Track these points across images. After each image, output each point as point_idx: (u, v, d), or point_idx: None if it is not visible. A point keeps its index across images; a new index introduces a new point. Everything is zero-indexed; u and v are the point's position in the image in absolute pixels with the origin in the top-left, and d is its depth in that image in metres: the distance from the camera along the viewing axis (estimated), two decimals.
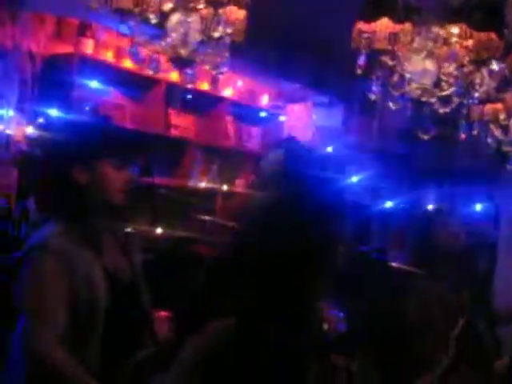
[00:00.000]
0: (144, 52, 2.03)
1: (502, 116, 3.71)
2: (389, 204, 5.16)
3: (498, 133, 3.84)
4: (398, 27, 2.21)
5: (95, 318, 1.83)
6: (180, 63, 1.97)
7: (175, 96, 4.38)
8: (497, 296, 3.38)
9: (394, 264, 2.66)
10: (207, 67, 1.98)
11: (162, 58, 2.20)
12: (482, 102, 3.45)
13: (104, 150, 1.96)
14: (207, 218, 2.36)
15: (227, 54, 2.01)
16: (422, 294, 2.85)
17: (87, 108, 3.92)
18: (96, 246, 1.92)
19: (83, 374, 1.75)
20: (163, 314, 2.50)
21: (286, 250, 1.40)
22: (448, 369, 2.15)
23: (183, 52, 1.89)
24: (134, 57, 2.05)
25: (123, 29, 3.68)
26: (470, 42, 2.45)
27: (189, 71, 2.00)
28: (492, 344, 2.77)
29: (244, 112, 5.14)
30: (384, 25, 2.22)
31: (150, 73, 2.28)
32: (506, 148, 3.93)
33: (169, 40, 1.89)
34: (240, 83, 5.09)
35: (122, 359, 1.89)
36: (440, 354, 2.13)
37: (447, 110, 2.48)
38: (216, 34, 1.91)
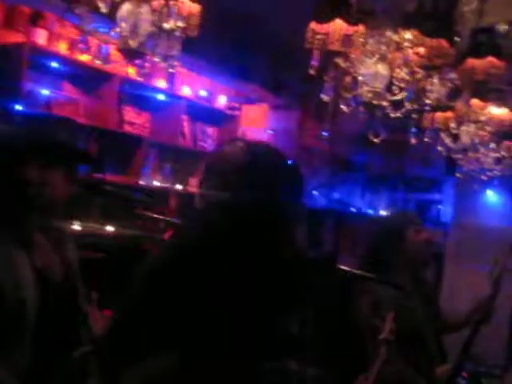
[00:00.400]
0: (94, 43, 1.97)
1: (452, 124, 3.79)
2: (341, 209, 5.20)
3: (447, 141, 3.93)
4: (351, 29, 2.22)
5: (24, 318, 1.77)
6: (130, 54, 1.93)
7: (130, 92, 4.31)
8: (443, 303, 3.43)
9: (344, 268, 2.66)
10: (157, 59, 1.94)
11: (113, 50, 2.15)
12: (434, 109, 3.52)
13: (49, 150, 1.88)
14: (157, 216, 2.30)
15: (178, 48, 1.97)
16: (373, 297, 2.86)
17: (38, 101, 3.83)
18: (26, 244, 1.85)
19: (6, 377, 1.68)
20: (109, 313, 2.44)
21: (244, 255, 1.31)
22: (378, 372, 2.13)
23: (133, 43, 1.85)
24: (84, 47, 2.00)
25: (76, 20, 3.62)
26: (422, 49, 2.48)
27: (139, 63, 1.96)
28: (436, 350, 2.80)
29: (200, 111, 5.11)
30: (338, 26, 2.22)
31: (98, 62, 2.22)
32: (455, 156, 4.02)
33: (118, 30, 1.85)
34: (197, 82, 5.06)
35: (57, 359, 1.83)
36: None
37: (398, 114, 2.50)
38: (167, 26, 1.88)
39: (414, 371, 2.59)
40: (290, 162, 1.75)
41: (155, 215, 2.33)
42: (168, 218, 2.48)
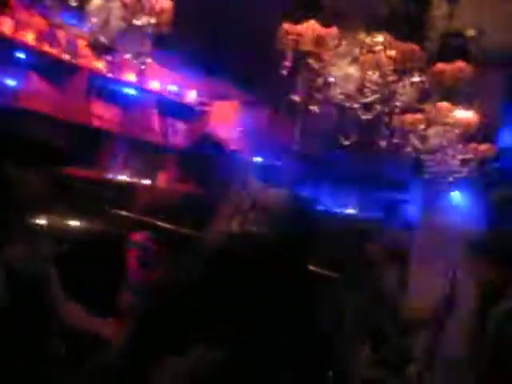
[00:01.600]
0: (63, 36, 1.93)
1: (421, 126, 3.84)
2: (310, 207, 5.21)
3: (416, 142, 3.97)
4: (324, 31, 2.22)
5: None
6: (100, 50, 1.89)
7: (99, 85, 4.24)
8: (408, 303, 3.47)
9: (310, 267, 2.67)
10: (128, 56, 1.91)
11: (82, 44, 2.10)
12: (403, 111, 3.55)
13: (17, 145, 1.87)
14: (123, 212, 2.29)
15: (149, 44, 1.94)
16: (337, 298, 2.88)
17: (4, 93, 3.73)
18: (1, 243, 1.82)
19: None
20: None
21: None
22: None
23: (103, 38, 1.81)
24: (52, 40, 1.95)
25: (45, 10, 3.54)
26: (393, 52, 2.49)
27: (109, 58, 1.92)
28: (400, 348, 2.84)
29: (170, 106, 5.06)
30: (311, 27, 2.22)
31: (67, 56, 2.17)
32: (423, 157, 4.07)
33: (89, 25, 1.81)
34: (167, 77, 5.00)
35: (29, 350, 1.81)
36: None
37: (369, 116, 2.51)
38: (138, 22, 1.85)
39: None
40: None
41: (123, 212, 2.31)
42: (135, 216, 2.46)
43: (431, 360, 3.38)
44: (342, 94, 2.40)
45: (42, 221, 2.12)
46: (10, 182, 1.81)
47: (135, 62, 1.90)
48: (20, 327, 1.82)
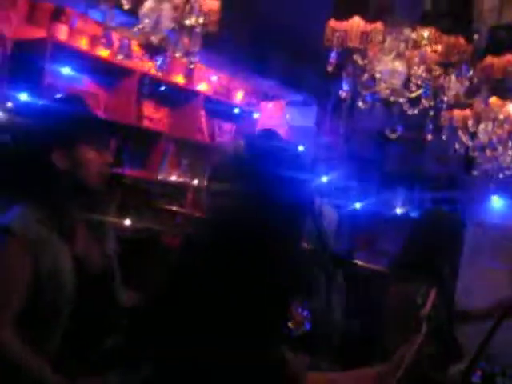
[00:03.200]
0: (116, 38, 2.01)
1: (470, 122, 3.79)
2: (358, 205, 5.21)
3: (465, 139, 3.92)
4: (369, 27, 2.24)
5: (60, 304, 1.81)
6: (151, 50, 1.96)
7: (148, 87, 4.36)
8: (458, 298, 3.43)
9: (360, 263, 2.69)
10: (178, 55, 1.98)
11: (135, 46, 2.18)
12: (451, 107, 3.52)
13: (81, 132, 1.92)
14: (176, 209, 2.35)
15: (199, 44, 2.00)
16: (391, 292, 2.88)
17: (59, 95, 3.88)
18: (67, 232, 1.89)
19: (31, 358, 1.73)
20: None
21: (251, 248, 1.34)
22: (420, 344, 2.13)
23: (154, 39, 1.88)
24: (106, 42, 2.04)
25: (98, 16, 3.67)
26: (439, 46, 2.49)
27: (159, 59, 2.00)
28: (450, 342, 2.82)
29: (218, 107, 5.13)
30: (356, 24, 2.24)
31: (120, 57, 2.25)
32: (472, 154, 4.01)
33: (141, 26, 1.88)
34: (215, 78, 5.09)
35: (90, 348, 1.87)
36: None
37: (415, 111, 2.51)
38: (188, 22, 1.91)
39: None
40: (293, 156, 1.70)
41: (175, 208, 2.37)
42: (186, 211, 2.51)
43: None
44: (387, 89, 2.41)
45: (106, 219, 2.16)
46: (77, 168, 1.88)
47: (185, 61, 1.96)
48: (84, 322, 1.87)
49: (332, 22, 2.32)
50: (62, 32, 3.79)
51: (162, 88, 4.62)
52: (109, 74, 4.20)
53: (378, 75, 2.41)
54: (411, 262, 2.66)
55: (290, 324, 3.31)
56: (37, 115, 2.00)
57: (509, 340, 3.12)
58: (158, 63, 1.96)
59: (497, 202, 5.00)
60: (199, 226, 1.56)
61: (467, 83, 2.78)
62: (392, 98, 2.43)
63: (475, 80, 3.15)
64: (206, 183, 1.64)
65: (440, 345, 2.72)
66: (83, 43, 3.94)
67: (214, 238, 1.37)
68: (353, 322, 3.88)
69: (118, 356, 1.82)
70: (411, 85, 2.45)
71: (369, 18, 2.24)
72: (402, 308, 2.62)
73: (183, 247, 1.47)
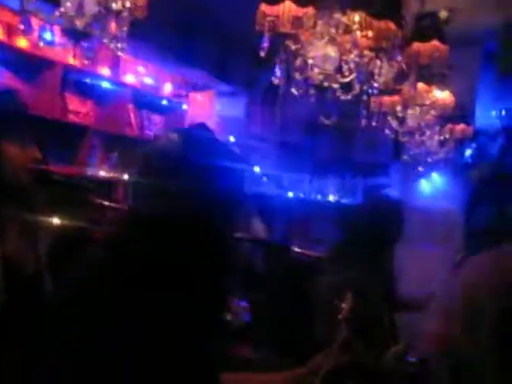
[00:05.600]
0: (36, 24, 1.89)
1: (398, 108, 3.86)
2: (290, 194, 5.22)
3: (394, 124, 4.00)
4: (301, 11, 2.21)
5: None
6: (76, 36, 1.86)
7: (73, 80, 4.18)
8: (401, 284, 3.49)
9: (296, 249, 2.67)
10: (105, 40, 1.88)
11: (56, 33, 2.07)
12: (381, 93, 3.56)
13: (2, 127, 1.83)
14: (107, 203, 2.26)
15: (126, 29, 1.91)
16: (333, 278, 2.88)
17: None
18: None
19: None
20: None
21: (181, 240, 1.34)
22: (338, 350, 2.15)
23: (79, 23, 1.78)
24: (25, 29, 1.91)
25: (13, 3, 3.47)
26: (370, 32, 2.50)
27: (85, 45, 1.89)
28: (389, 328, 2.85)
29: (146, 99, 5.01)
30: (287, 8, 2.21)
31: (42, 45, 2.13)
32: (402, 138, 4.09)
33: (63, 10, 1.77)
34: (142, 69, 4.95)
35: (22, 350, 1.77)
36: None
37: (349, 97, 2.52)
38: (114, 6, 1.82)
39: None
40: (226, 148, 1.68)
41: (107, 202, 2.28)
42: (119, 206, 2.42)
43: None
44: (320, 74, 2.39)
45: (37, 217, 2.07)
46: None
47: (112, 46, 1.87)
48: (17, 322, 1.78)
49: (263, 7, 2.28)
50: None
51: (87, 80, 4.46)
52: (29, 66, 3.99)
53: (310, 61, 2.39)
54: (350, 251, 2.66)
55: (228, 316, 3.28)
56: None
57: None
58: (85, 50, 1.86)
59: (426, 186, 5.13)
60: (132, 219, 1.51)
61: (397, 68, 2.81)
62: (325, 84, 2.42)
63: (403, 66, 3.20)
64: (135, 176, 1.57)
65: (376, 334, 2.75)
66: None
67: (148, 230, 1.34)
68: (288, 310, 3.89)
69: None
70: (344, 70, 2.45)
71: (300, 2, 2.22)
72: (330, 299, 2.63)
73: (112, 239, 1.43)
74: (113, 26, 1.88)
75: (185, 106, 5.24)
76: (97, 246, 1.43)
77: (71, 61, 4.14)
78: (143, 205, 1.45)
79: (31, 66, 3.97)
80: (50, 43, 1.98)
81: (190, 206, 1.38)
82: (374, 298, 2.72)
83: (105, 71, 4.53)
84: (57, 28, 1.99)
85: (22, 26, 1.87)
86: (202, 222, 1.37)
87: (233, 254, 1.55)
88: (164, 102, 5.16)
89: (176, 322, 1.30)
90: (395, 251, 3.44)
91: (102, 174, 4.56)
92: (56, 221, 2.29)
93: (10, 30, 3.76)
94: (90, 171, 4.39)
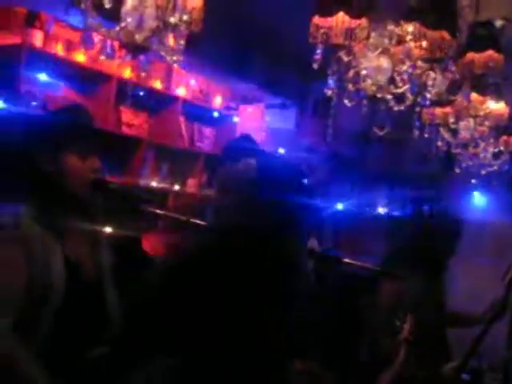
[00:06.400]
0: (97, 39, 1.97)
1: (451, 119, 3.80)
2: (340, 206, 5.20)
3: (447, 136, 3.93)
4: (354, 23, 2.22)
5: (48, 305, 1.76)
6: (134, 50, 1.92)
7: (127, 93, 4.30)
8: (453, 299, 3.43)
9: (349, 261, 2.66)
10: (163, 53, 1.93)
11: (116, 47, 2.14)
12: (433, 104, 3.52)
13: (64, 140, 1.92)
14: (161, 212, 2.31)
15: (183, 42, 1.97)
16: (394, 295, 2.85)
17: (35, 103, 3.80)
18: (59, 234, 1.86)
19: (29, 362, 1.68)
20: None
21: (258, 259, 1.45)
22: (401, 369, 2.16)
23: (138, 37, 1.84)
24: (87, 44, 1.99)
25: (73, 20, 3.61)
26: (424, 42, 2.48)
27: (143, 58, 1.95)
28: (444, 345, 2.81)
29: (197, 112, 5.10)
30: (340, 20, 2.22)
31: (103, 58, 2.21)
32: (454, 150, 4.02)
33: (123, 25, 1.84)
34: (193, 82, 5.05)
35: (76, 354, 1.81)
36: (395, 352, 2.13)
37: (402, 108, 2.50)
38: (172, 20, 1.87)
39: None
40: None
41: (161, 212, 2.32)
42: (174, 215, 2.46)
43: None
44: (373, 85, 2.39)
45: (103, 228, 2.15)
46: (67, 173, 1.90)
47: (169, 59, 1.92)
48: (75, 327, 1.83)
49: (316, 19, 2.30)
50: (37, 38, 3.71)
51: (141, 93, 4.57)
52: (86, 79, 4.13)
53: (363, 72, 2.39)
54: (409, 261, 2.63)
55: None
56: (21, 123, 2.02)
57: (494, 336, 3.13)
58: (143, 64, 1.92)
59: (478, 199, 5.03)
60: (208, 234, 1.60)
61: (450, 78, 2.78)
62: (379, 95, 2.42)
63: (457, 76, 3.16)
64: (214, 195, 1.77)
65: (429, 347, 2.71)
66: (59, 49, 3.87)
67: (231, 244, 1.48)
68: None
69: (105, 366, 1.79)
70: (397, 81, 2.44)
71: (353, 13, 2.22)
72: (393, 305, 2.60)
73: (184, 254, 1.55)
74: (170, 39, 1.93)
75: (235, 119, 5.30)
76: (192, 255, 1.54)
77: (126, 74, 4.26)
78: (229, 221, 1.59)
79: (88, 79, 4.11)
80: (109, 57, 2.05)
81: (276, 221, 1.52)
82: (433, 318, 2.69)
83: (157, 84, 4.63)
84: (116, 43, 2.05)
85: (84, 41, 1.95)
86: (285, 235, 1.53)
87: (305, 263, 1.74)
88: (215, 115, 5.23)
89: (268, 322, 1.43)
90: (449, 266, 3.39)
91: (154, 184, 4.65)
92: (116, 230, 2.36)
93: (70, 46, 3.90)
94: (142, 182, 4.49)
